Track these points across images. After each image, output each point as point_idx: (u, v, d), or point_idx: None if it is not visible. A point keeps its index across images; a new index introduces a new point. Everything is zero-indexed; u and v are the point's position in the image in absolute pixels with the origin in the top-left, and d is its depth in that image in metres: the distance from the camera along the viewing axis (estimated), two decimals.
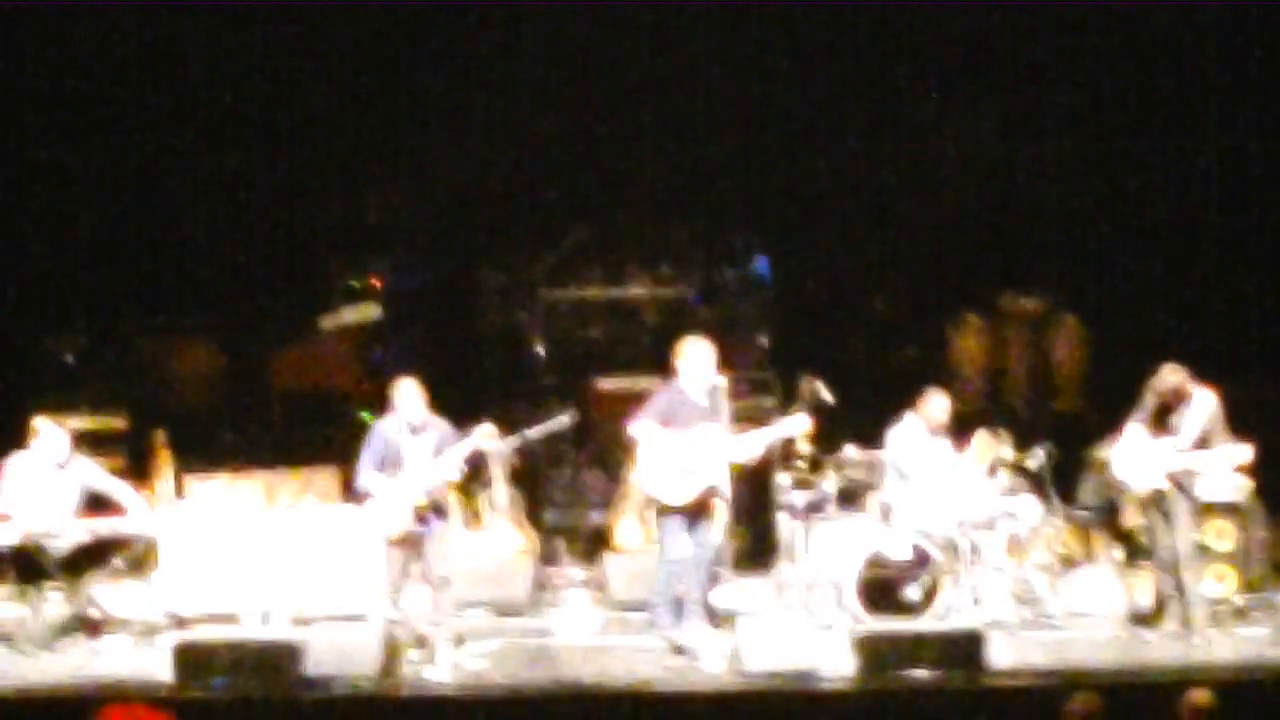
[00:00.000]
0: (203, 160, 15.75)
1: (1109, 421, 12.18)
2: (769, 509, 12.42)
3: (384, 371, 16.20)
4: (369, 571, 11.47)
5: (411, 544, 10.94)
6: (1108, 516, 12.68)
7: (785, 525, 12.06)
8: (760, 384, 14.98)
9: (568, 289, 16.55)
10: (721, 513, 11.42)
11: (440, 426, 11.09)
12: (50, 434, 11.65)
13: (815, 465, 12.18)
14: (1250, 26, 14.97)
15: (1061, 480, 12.37)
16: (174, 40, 15.25)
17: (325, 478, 13.66)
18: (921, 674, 10.39)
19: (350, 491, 12.95)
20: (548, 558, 13.82)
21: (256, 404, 16.24)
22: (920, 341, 16.48)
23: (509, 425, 12.41)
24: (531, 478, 14.30)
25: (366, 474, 11.03)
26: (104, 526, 11.53)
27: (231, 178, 15.85)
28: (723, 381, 11.28)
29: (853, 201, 16.07)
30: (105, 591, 11.80)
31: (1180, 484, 11.24)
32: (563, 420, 12.29)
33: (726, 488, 11.29)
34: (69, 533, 11.42)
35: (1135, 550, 12.36)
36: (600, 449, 14.62)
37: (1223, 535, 12.29)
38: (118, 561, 11.65)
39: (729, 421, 11.23)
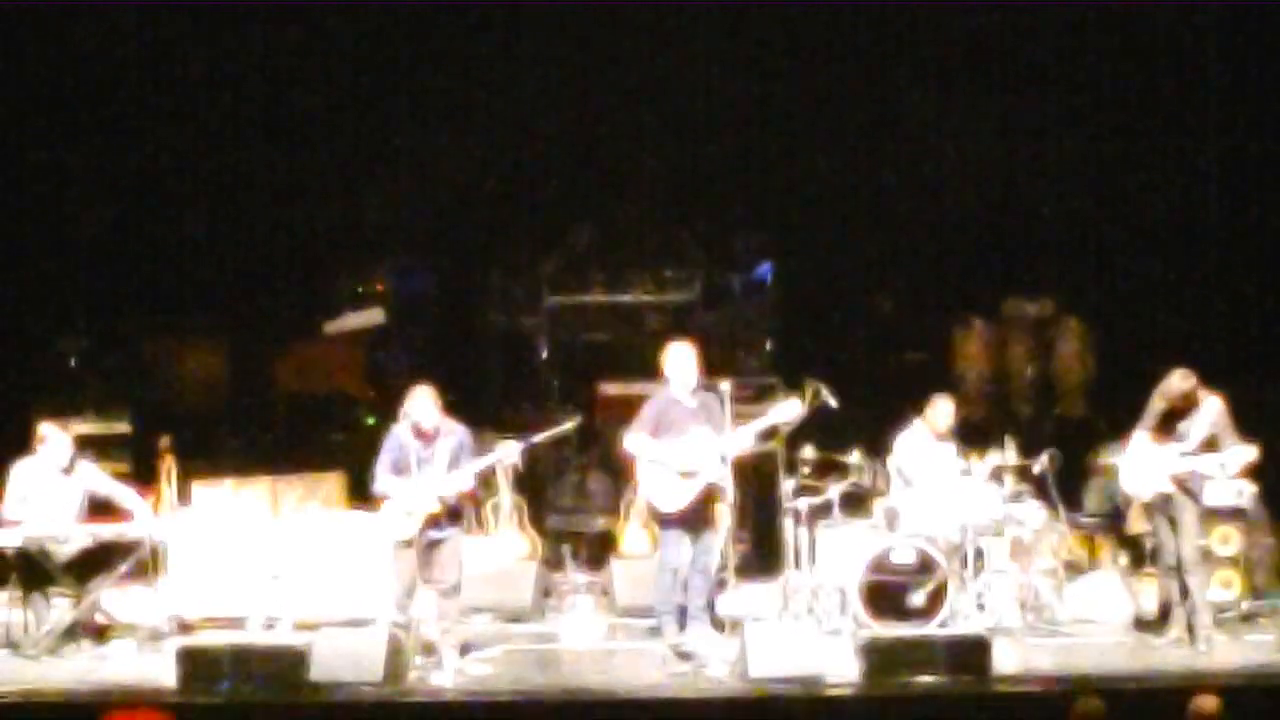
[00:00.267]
0: (207, 163, 15.77)
1: (1113, 426, 12.19)
2: (774, 515, 12.40)
3: (388, 375, 16.25)
4: (374, 576, 11.47)
5: (422, 549, 10.92)
6: (1113, 522, 12.69)
7: (790, 531, 12.04)
8: (764, 388, 14.95)
9: (571, 293, 16.55)
10: (725, 518, 11.43)
11: (457, 432, 11.05)
12: (54, 438, 11.63)
13: (820, 471, 12.17)
14: (1252, 26, 14.96)
15: (1066, 485, 12.37)
16: (178, 41, 15.27)
17: (330, 483, 13.64)
18: (927, 679, 10.40)
19: (354, 496, 12.99)
20: (552, 563, 13.82)
21: (260, 407, 16.25)
22: (924, 346, 16.49)
23: (512, 429, 12.41)
24: (536, 483, 14.30)
25: (382, 478, 10.99)
26: (108, 531, 11.52)
27: (236, 180, 15.86)
28: (726, 387, 11.29)
29: (856, 205, 16.07)
30: (110, 596, 11.77)
31: (1186, 488, 11.22)
32: (567, 426, 12.28)
33: (730, 492, 11.29)
34: (73, 537, 11.40)
35: (1140, 556, 12.36)
36: (605, 454, 14.61)
37: (1228, 540, 12.27)
38: (122, 566, 11.62)
39: (731, 424, 11.22)
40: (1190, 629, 11.24)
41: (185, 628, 11.82)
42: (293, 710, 10.23)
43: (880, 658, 10.48)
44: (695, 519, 11.31)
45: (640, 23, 15.28)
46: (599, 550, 13.95)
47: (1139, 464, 11.31)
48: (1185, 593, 11.27)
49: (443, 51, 15.52)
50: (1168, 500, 11.25)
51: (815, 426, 11.94)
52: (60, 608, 11.42)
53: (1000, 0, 15.09)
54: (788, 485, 12.01)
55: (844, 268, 16.34)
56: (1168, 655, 11.14)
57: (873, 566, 11.49)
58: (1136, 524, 12.25)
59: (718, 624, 11.38)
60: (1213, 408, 11.18)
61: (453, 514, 11.02)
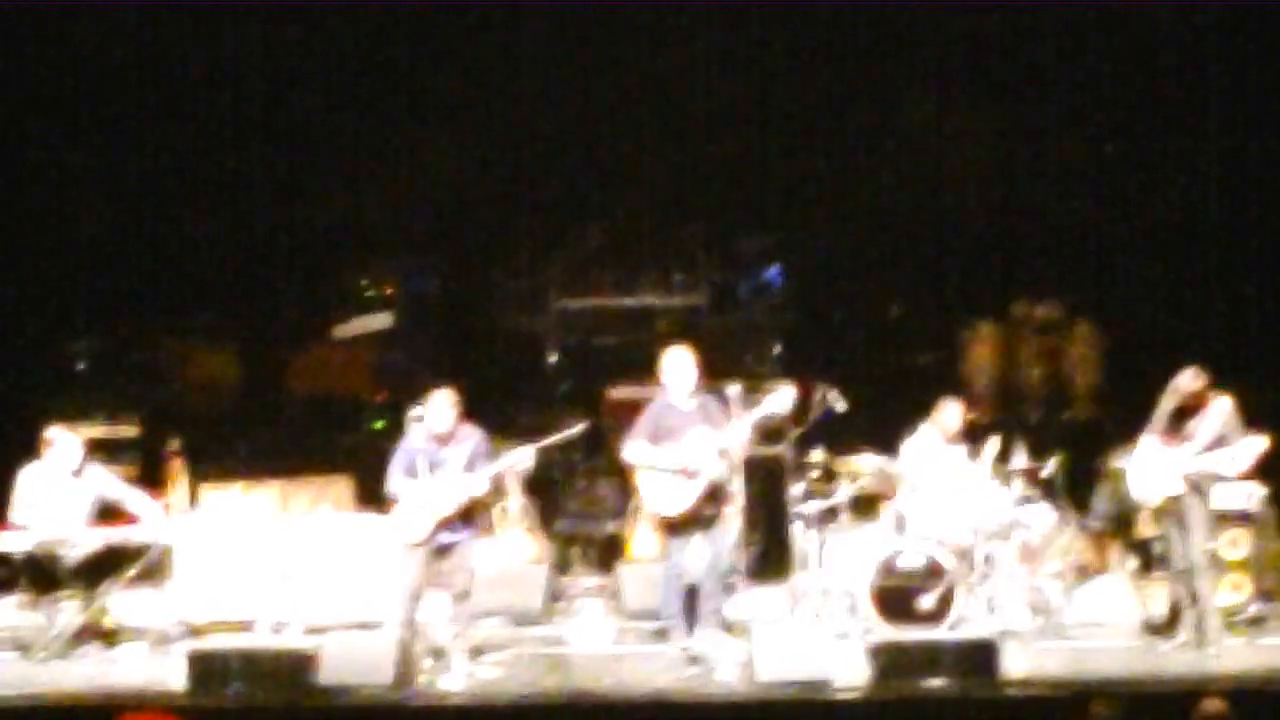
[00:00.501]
0: (217, 165, 15.77)
1: (1123, 429, 12.15)
2: (783, 518, 12.39)
3: (397, 377, 16.26)
4: (383, 580, 11.47)
5: (434, 553, 10.92)
6: (1122, 525, 12.67)
7: (800, 534, 12.04)
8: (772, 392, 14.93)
9: (580, 296, 16.55)
10: (733, 521, 11.42)
11: (473, 436, 11.05)
12: (64, 442, 11.66)
13: (829, 474, 12.16)
14: (1253, 26, 14.95)
15: (1075, 489, 12.36)
16: (184, 42, 15.28)
17: (340, 486, 13.65)
18: (936, 683, 10.41)
19: (364, 499, 12.99)
20: (562, 566, 13.81)
21: (270, 410, 16.26)
22: (934, 348, 16.48)
23: (521, 432, 12.41)
24: (545, 486, 14.29)
25: (396, 480, 10.99)
26: (118, 535, 11.53)
27: (245, 183, 15.87)
28: (735, 390, 11.29)
29: (864, 208, 16.06)
30: (119, 600, 11.78)
31: (1197, 488, 11.21)
32: (575, 429, 12.27)
33: (738, 495, 11.29)
34: (83, 541, 11.42)
35: (1149, 559, 12.34)
36: (613, 457, 14.59)
37: (1237, 544, 12.23)
38: (132, 570, 11.63)
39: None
40: (1199, 632, 11.22)
41: (195, 631, 11.83)
42: (302, 713, 10.26)
43: (889, 661, 10.49)
44: (701, 520, 11.26)
45: (650, 24, 15.28)
46: (608, 553, 13.94)
47: (1147, 468, 11.30)
48: (1194, 596, 11.25)
49: (453, 55, 15.53)
50: (1177, 502, 11.24)
51: (824, 430, 11.93)
52: (69, 611, 11.44)
53: (1006, 1, 15.08)
54: (796, 489, 12.02)
55: (852, 271, 16.34)
56: (1176, 659, 11.11)
57: (882, 570, 11.48)
58: (1145, 528, 12.23)
59: (727, 627, 11.37)
60: (1222, 408, 11.17)
61: (466, 517, 11.02)
